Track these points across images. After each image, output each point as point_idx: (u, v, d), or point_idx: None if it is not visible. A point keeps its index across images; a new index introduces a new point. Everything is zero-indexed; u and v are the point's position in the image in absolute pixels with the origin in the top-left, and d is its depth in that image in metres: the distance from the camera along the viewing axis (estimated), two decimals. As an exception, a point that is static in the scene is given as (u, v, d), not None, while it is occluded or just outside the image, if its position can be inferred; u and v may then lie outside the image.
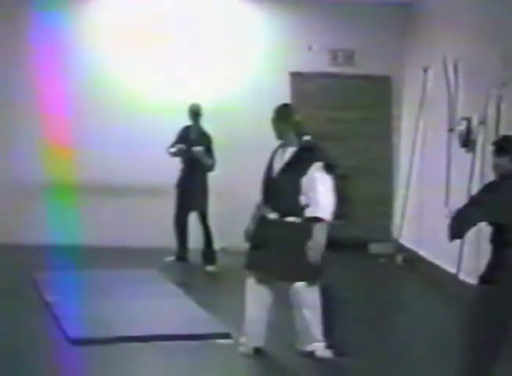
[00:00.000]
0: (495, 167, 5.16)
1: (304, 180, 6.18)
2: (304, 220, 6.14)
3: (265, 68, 11.10)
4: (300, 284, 6.28)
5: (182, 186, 9.87)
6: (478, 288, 5.14)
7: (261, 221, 6.35)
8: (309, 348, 6.37)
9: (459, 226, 5.05)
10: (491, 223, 5.06)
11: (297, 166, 6.25)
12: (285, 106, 6.68)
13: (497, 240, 5.03)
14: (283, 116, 6.44)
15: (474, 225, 5.07)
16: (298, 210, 6.19)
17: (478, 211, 5.00)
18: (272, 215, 6.27)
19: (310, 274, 6.24)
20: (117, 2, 11.03)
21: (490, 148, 5.34)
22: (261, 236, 6.32)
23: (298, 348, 6.44)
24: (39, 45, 10.66)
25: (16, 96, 10.66)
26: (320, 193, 6.12)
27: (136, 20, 10.90)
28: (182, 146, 9.73)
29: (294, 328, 6.43)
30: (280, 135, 6.43)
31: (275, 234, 6.22)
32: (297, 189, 6.18)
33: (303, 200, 6.17)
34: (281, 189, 6.25)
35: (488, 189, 5.16)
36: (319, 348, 6.36)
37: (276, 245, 6.19)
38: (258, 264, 6.31)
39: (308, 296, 6.28)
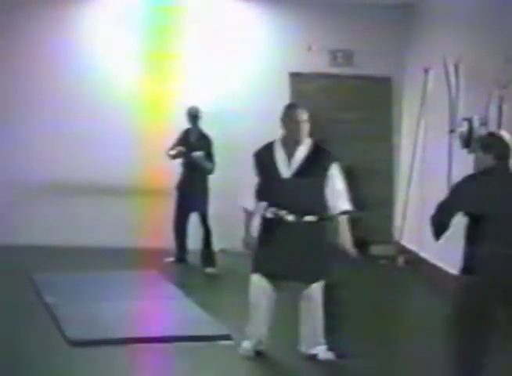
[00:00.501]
0: (479, 161, 5.24)
1: (327, 179, 6.18)
2: (328, 216, 6.17)
3: (264, 69, 11.07)
4: (316, 285, 6.23)
5: (182, 187, 9.84)
6: (460, 278, 5.18)
7: (277, 224, 6.21)
8: (313, 351, 6.33)
9: (441, 220, 5.17)
10: (467, 214, 5.12)
11: (316, 165, 6.20)
12: (297, 105, 6.60)
13: (472, 231, 5.08)
14: (304, 115, 6.32)
15: (454, 214, 5.14)
16: (317, 208, 6.17)
17: (457, 201, 5.13)
18: (291, 217, 6.19)
19: (328, 274, 6.25)
20: (115, 2, 10.99)
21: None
22: (278, 239, 6.20)
23: (301, 350, 6.39)
24: (38, 44, 10.67)
25: (14, 96, 10.65)
26: (341, 189, 6.20)
27: (135, 22, 10.88)
28: (181, 148, 9.70)
29: (297, 330, 6.39)
30: (302, 134, 6.28)
31: (295, 236, 6.15)
32: (318, 188, 6.16)
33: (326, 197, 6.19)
34: (299, 189, 6.15)
35: (467, 181, 5.24)
36: (321, 350, 6.32)
37: (297, 247, 6.14)
38: (275, 267, 6.22)
39: (319, 297, 6.24)
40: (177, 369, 6.30)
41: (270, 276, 6.26)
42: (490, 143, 5.24)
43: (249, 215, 6.40)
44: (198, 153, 9.63)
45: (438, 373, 5.97)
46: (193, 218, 9.84)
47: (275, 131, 11.06)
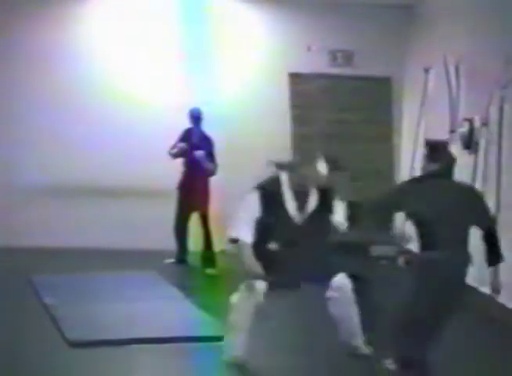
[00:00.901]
0: (426, 168, 5.57)
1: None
2: None
3: (264, 69, 11.04)
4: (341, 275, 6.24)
5: (183, 187, 9.82)
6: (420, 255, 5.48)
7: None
8: (356, 342, 6.31)
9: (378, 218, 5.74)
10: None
11: (324, 215, 6.32)
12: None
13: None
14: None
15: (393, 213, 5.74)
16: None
17: (396, 201, 5.61)
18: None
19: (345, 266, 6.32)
20: (115, 2, 10.96)
21: (424, 151, 5.72)
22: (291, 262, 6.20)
23: (343, 341, 6.35)
24: (37, 44, 10.65)
25: (13, 97, 10.63)
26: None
27: (134, 21, 10.86)
28: (183, 144, 9.69)
29: (297, 328, 6.34)
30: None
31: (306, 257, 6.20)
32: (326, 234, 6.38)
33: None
34: (311, 232, 6.24)
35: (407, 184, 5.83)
36: (362, 344, 6.32)
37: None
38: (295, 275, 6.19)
39: (348, 286, 6.25)
40: (177, 370, 6.29)
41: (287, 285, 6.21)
42: (436, 153, 5.52)
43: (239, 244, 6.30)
44: (200, 152, 9.62)
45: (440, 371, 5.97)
46: (194, 219, 9.81)
47: (275, 132, 11.10)
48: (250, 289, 6.18)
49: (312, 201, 6.29)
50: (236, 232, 6.28)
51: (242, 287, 6.26)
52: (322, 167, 6.30)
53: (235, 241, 6.28)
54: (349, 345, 6.32)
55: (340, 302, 6.24)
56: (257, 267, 6.17)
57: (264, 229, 6.25)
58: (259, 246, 6.22)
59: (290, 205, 6.25)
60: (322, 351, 6.52)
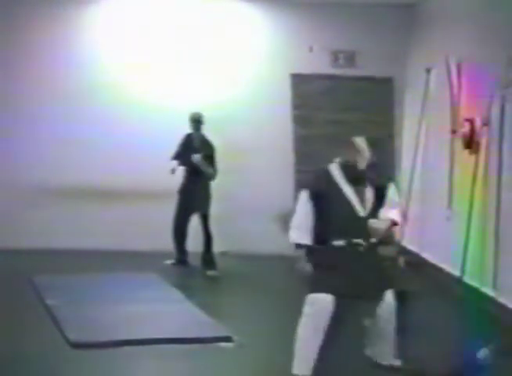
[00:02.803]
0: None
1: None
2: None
3: (265, 70, 11.04)
4: (391, 297, 6.11)
5: (184, 191, 9.80)
6: None
7: (347, 249, 6.11)
8: (391, 362, 6.21)
9: None
10: None
11: (382, 201, 6.35)
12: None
13: None
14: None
15: None
16: None
17: None
18: (361, 242, 6.14)
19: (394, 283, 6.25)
20: (116, 5, 10.96)
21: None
22: (350, 263, 6.05)
23: (376, 361, 6.22)
24: (39, 46, 10.65)
25: (15, 99, 10.63)
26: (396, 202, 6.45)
27: (134, 23, 10.87)
28: (174, 165, 9.71)
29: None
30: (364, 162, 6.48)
31: (365, 259, 6.10)
32: None
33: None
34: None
35: None
36: (396, 361, 6.24)
37: (369, 269, 6.09)
38: (349, 287, 5.99)
39: (394, 309, 6.14)
40: (177, 371, 6.29)
41: (340, 295, 5.97)
42: None
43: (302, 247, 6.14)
44: (197, 156, 9.61)
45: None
46: (194, 221, 9.81)
47: (276, 132, 11.10)
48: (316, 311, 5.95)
49: (370, 196, 6.31)
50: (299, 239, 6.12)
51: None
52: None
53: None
54: (387, 364, 6.20)
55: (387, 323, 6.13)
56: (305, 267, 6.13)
57: (326, 230, 6.14)
58: None
59: (356, 204, 6.21)
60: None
